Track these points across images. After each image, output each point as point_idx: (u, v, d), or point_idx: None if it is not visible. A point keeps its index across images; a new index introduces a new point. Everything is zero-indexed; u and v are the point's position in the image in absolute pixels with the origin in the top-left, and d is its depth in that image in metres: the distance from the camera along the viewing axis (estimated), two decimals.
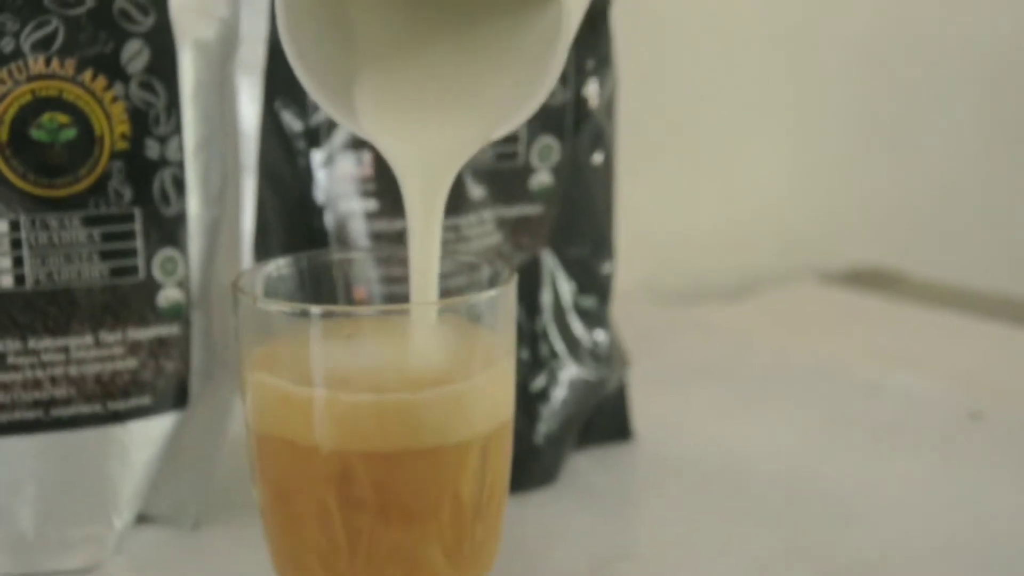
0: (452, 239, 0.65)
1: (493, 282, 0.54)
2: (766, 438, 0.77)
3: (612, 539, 0.65)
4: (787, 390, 0.84)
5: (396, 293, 0.58)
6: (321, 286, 0.57)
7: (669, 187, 1.08)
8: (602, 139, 0.69)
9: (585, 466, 0.72)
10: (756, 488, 0.70)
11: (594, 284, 0.71)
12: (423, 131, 0.53)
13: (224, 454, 0.67)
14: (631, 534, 0.67)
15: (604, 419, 0.73)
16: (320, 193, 0.65)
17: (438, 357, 0.51)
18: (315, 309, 0.50)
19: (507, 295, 0.52)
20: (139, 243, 0.61)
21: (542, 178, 0.67)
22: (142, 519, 0.66)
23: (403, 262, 0.55)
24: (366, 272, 0.58)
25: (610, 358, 0.71)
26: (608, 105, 0.69)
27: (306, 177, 0.65)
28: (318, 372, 0.50)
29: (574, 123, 0.67)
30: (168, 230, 0.62)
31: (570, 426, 0.70)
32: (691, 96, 1.08)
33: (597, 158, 0.69)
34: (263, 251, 0.68)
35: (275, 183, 0.66)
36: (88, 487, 0.62)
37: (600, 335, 0.71)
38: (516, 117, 0.51)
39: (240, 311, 0.52)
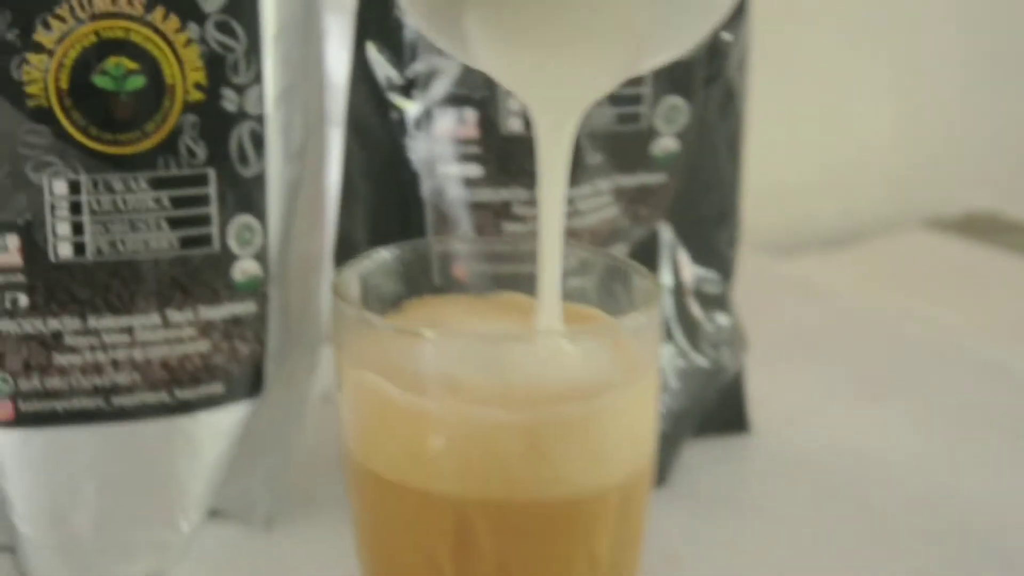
0: (567, 213, 0.57)
1: (633, 291, 0.46)
2: (890, 435, 0.69)
3: (722, 554, 0.58)
4: (906, 372, 0.76)
5: (515, 278, 0.50)
6: (425, 277, 0.49)
7: (765, 129, 0.99)
8: (733, 100, 0.61)
9: (697, 463, 0.65)
10: (883, 501, 0.63)
11: (717, 261, 0.63)
12: (559, 56, 0.45)
13: (301, 443, 0.59)
14: (744, 550, 0.60)
15: (719, 409, 0.65)
16: (415, 153, 0.57)
17: (571, 372, 0.44)
18: (429, 334, 0.43)
19: (656, 313, 0.44)
20: (213, 209, 0.53)
21: (667, 143, 0.59)
22: (209, 515, 0.58)
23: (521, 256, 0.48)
24: (476, 262, 0.50)
25: (731, 343, 0.64)
26: (741, 60, 0.61)
27: (399, 134, 0.57)
28: (431, 381, 0.42)
29: (705, 81, 0.59)
30: (246, 194, 0.54)
31: (685, 423, 0.63)
32: (790, 34, 0.99)
33: (728, 121, 0.61)
34: (348, 216, 0.60)
35: (364, 139, 0.58)
36: (152, 485, 0.54)
37: (721, 318, 0.63)
38: (676, 42, 0.44)
39: (340, 319, 0.44)
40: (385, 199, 0.58)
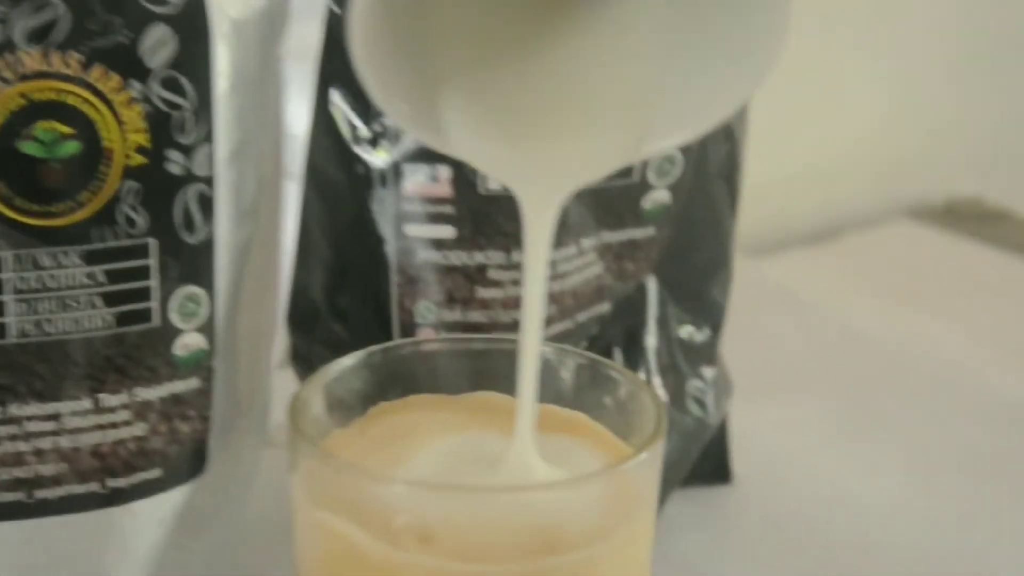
0: (551, 277, 0.52)
1: (631, 408, 0.41)
2: (879, 478, 0.65)
3: None
4: (897, 402, 0.72)
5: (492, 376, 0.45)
6: (392, 380, 0.44)
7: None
8: (731, 137, 0.55)
9: (676, 521, 0.60)
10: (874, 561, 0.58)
11: (707, 312, 0.58)
12: (551, 147, 0.39)
13: (247, 522, 0.54)
14: None
15: (700, 460, 0.60)
16: (381, 212, 0.51)
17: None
18: (400, 479, 0.37)
19: (661, 446, 0.39)
20: (154, 282, 0.48)
21: (658, 196, 0.54)
22: None
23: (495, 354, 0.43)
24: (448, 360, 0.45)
25: (717, 398, 0.59)
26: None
27: (364, 190, 0.51)
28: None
29: None
30: (190, 263, 0.48)
31: (665, 491, 0.58)
32: None
33: (723, 162, 0.55)
34: (304, 272, 0.55)
35: (324, 192, 0.52)
36: None
37: (708, 372, 0.58)
38: (686, 127, 0.39)
39: (297, 449, 0.39)
40: (346, 259, 0.53)
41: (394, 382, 0.44)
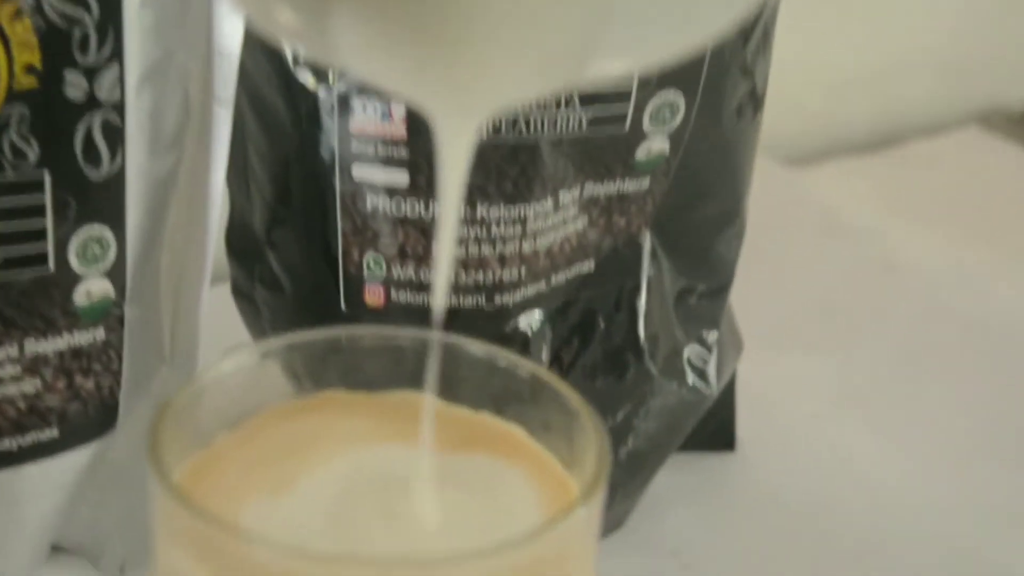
0: (515, 236, 0.44)
1: (576, 439, 0.34)
2: (912, 446, 0.57)
3: None
4: (951, 347, 0.63)
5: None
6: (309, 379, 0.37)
7: (791, 17, 0.84)
8: (750, 72, 0.47)
9: (667, 492, 0.53)
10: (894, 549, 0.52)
11: (714, 270, 0.50)
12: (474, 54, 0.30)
13: None
14: None
15: (702, 423, 0.53)
16: (326, 148, 0.44)
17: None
18: (262, 541, 0.31)
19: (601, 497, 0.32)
20: (48, 221, 0.41)
21: (655, 146, 0.46)
22: (57, 551, 0.48)
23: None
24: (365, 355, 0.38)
25: (719, 364, 0.51)
26: (765, 33, 0.47)
27: (307, 122, 0.44)
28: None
29: (710, 70, 0.45)
30: (94, 200, 0.42)
31: (651, 467, 0.51)
32: None
33: (740, 102, 0.47)
34: (244, 199, 0.48)
35: (264, 120, 0.45)
36: None
37: (709, 336, 0.51)
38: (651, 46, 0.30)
39: (152, 486, 0.32)
40: (287, 197, 0.46)
41: (303, 376, 0.37)
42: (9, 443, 0.43)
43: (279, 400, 0.36)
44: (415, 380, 0.37)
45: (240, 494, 0.33)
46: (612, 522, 0.51)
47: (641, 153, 0.45)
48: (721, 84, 0.46)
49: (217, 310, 0.50)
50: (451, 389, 0.37)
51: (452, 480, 0.35)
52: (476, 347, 0.37)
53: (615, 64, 0.31)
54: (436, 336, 0.36)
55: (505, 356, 0.36)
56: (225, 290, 0.52)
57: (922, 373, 0.62)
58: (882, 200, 0.76)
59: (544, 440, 0.36)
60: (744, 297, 0.59)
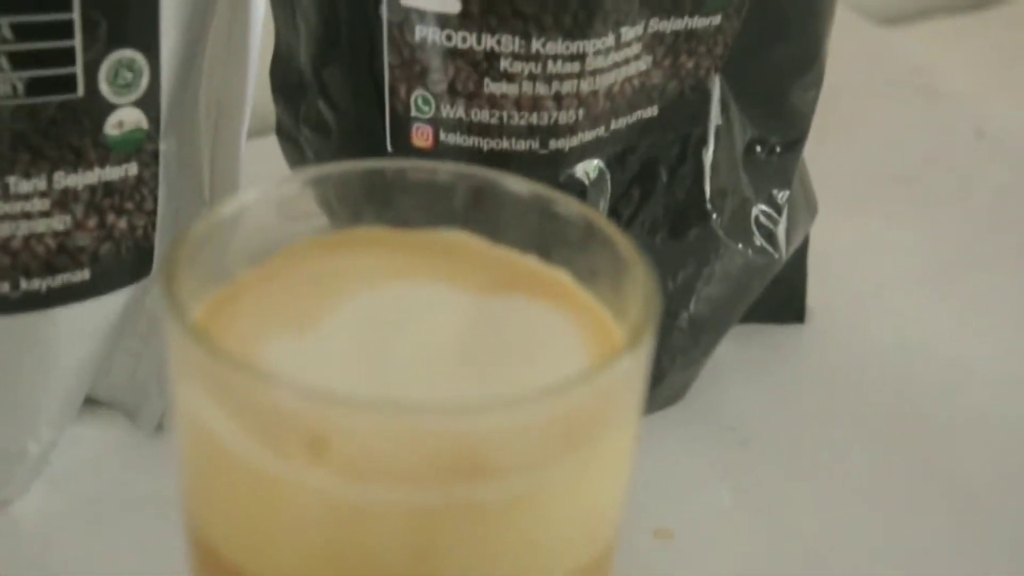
0: (572, 74, 0.41)
1: (622, 282, 0.31)
2: (992, 326, 0.54)
3: (725, 520, 0.45)
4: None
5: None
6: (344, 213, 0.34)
7: None
8: None
9: (729, 365, 0.51)
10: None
11: (784, 123, 0.47)
12: None
13: None
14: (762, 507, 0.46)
15: (767, 293, 0.50)
16: None
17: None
18: (284, 377, 0.28)
19: (649, 345, 0.30)
20: (77, 41, 0.38)
21: None
22: (92, 404, 0.46)
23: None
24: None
25: (790, 226, 0.48)
26: None
27: None
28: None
29: None
30: (125, 19, 0.39)
31: (714, 335, 0.48)
32: None
33: None
34: (289, 30, 0.45)
35: None
36: None
37: (780, 195, 0.48)
38: None
39: (166, 322, 0.30)
40: (335, 27, 0.43)
41: (338, 211, 0.34)
42: (38, 284, 0.41)
43: (310, 235, 0.34)
44: (455, 219, 0.35)
45: (262, 332, 0.31)
46: (671, 394, 0.49)
47: None
48: None
49: (263, 162, 0.48)
50: (494, 229, 0.34)
51: (490, 322, 0.32)
52: (521, 185, 0.34)
53: None
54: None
55: (551, 196, 0.34)
56: (270, 142, 0.50)
57: (1008, 247, 0.59)
58: (978, 64, 0.72)
59: (591, 287, 0.33)
60: (823, 159, 0.56)
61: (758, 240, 0.47)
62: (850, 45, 0.70)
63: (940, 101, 0.68)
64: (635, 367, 0.30)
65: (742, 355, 0.51)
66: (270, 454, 0.28)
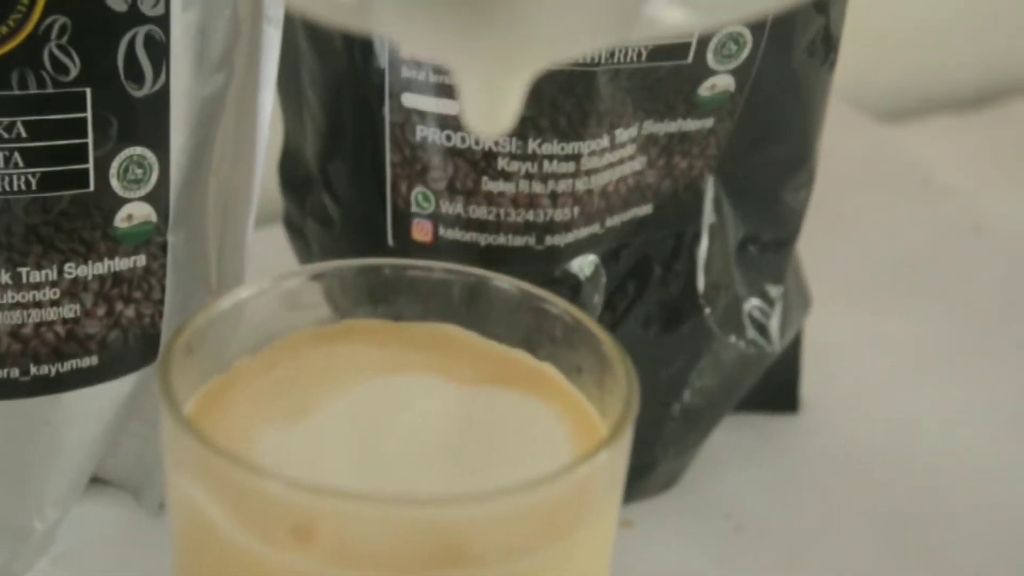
0: (568, 173, 0.43)
1: (603, 381, 0.32)
2: (987, 416, 0.55)
3: None
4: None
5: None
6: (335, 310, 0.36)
7: None
8: (824, 8, 0.45)
9: (723, 454, 0.51)
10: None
11: (776, 221, 0.48)
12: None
13: None
14: None
15: (762, 383, 0.51)
16: (376, 75, 0.42)
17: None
18: (273, 474, 0.29)
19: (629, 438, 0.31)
20: (90, 139, 0.40)
21: (719, 82, 0.44)
22: (99, 483, 0.47)
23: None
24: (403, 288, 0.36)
25: (783, 320, 0.49)
26: None
27: (359, 45, 0.43)
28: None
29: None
30: (136, 119, 0.41)
31: (707, 425, 0.49)
32: None
33: (813, 39, 0.45)
34: (297, 127, 0.47)
35: (316, 43, 0.44)
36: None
37: (773, 291, 0.49)
38: None
39: (163, 409, 0.31)
40: (339, 126, 0.44)
41: (334, 305, 0.36)
42: (48, 369, 0.42)
43: (307, 327, 0.35)
44: (448, 314, 0.36)
45: (255, 421, 0.32)
46: (665, 480, 0.50)
47: (704, 89, 0.43)
48: (791, 18, 0.44)
49: (270, 251, 0.50)
50: (485, 325, 0.36)
51: (479, 414, 0.33)
52: (512, 284, 0.35)
53: (671, 19, 0.30)
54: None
55: (540, 295, 0.35)
56: (277, 232, 0.51)
57: (1003, 342, 0.59)
58: (977, 161, 0.73)
59: (577, 382, 0.35)
60: (821, 252, 0.57)
61: (751, 333, 0.48)
62: (850, 140, 0.72)
63: (938, 196, 0.69)
64: (614, 462, 0.31)
65: (736, 443, 0.52)
66: (257, 540, 0.29)
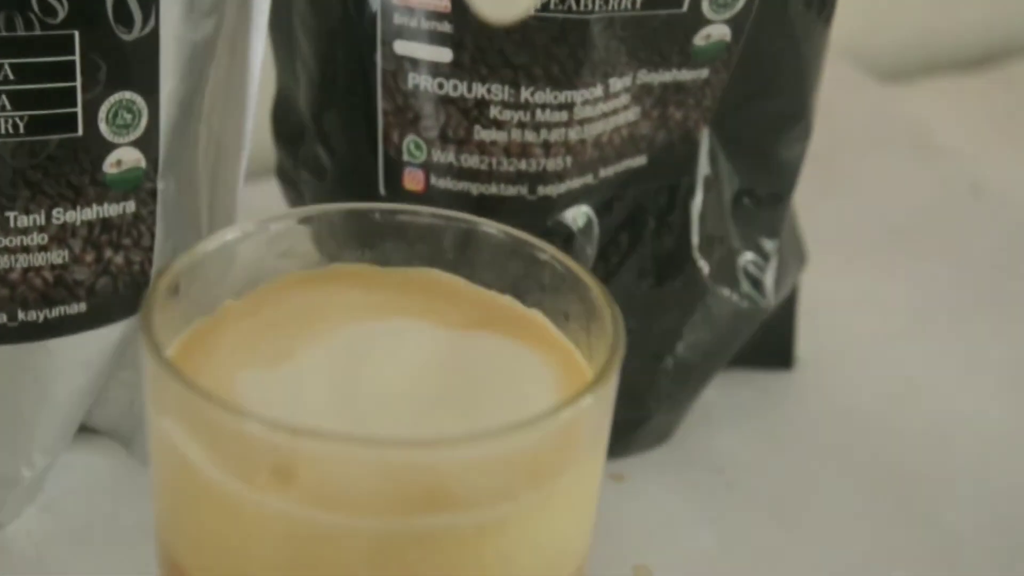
0: (560, 122, 0.42)
1: (592, 325, 0.32)
2: (981, 375, 0.55)
3: (712, 560, 0.46)
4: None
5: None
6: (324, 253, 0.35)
7: None
8: None
9: (716, 410, 0.51)
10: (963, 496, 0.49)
11: (772, 174, 0.48)
12: None
13: None
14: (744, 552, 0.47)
15: (758, 339, 0.51)
16: (368, 22, 0.42)
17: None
18: (254, 414, 0.29)
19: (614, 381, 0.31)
20: (78, 82, 0.40)
21: (715, 32, 0.43)
22: (89, 432, 0.47)
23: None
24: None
25: (779, 274, 0.49)
26: None
27: None
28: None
29: None
30: (125, 63, 0.40)
31: (700, 379, 0.49)
32: None
33: None
34: (290, 76, 0.47)
35: None
36: None
37: (768, 245, 0.49)
38: None
39: (142, 348, 0.31)
40: (331, 74, 0.44)
41: (322, 249, 0.35)
42: (35, 315, 0.42)
43: (293, 271, 0.35)
44: (435, 260, 0.36)
45: (238, 364, 0.32)
46: (658, 434, 0.49)
47: (699, 39, 0.43)
48: None
49: (263, 203, 0.49)
50: (473, 271, 0.35)
51: (464, 359, 0.33)
52: (499, 230, 0.35)
53: None
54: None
55: (530, 241, 0.35)
56: (270, 184, 0.51)
57: (999, 302, 0.59)
58: (978, 122, 0.73)
59: (564, 329, 0.34)
60: (819, 210, 0.57)
61: (745, 287, 0.48)
62: (851, 100, 0.72)
63: (937, 157, 0.69)
64: (599, 407, 0.31)
65: (730, 399, 0.52)
66: (239, 481, 0.29)
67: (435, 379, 0.32)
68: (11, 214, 0.40)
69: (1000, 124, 0.73)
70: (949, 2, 0.81)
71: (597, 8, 0.41)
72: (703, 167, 0.46)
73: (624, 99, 0.43)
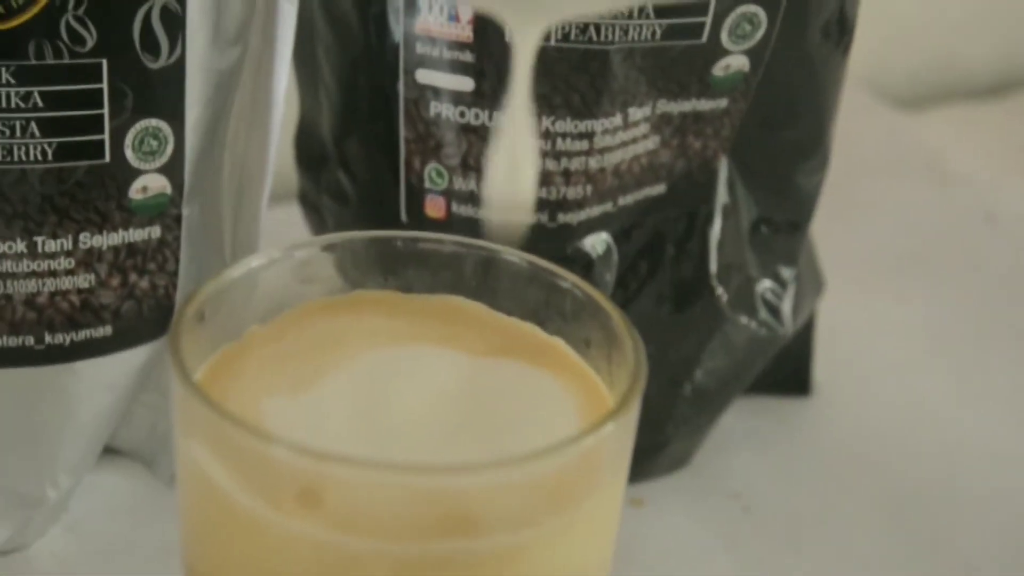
0: (581, 151, 0.43)
1: (613, 355, 0.33)
2: (998, 401, 0.55)
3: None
4: None
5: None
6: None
7: None
8: None
9: (734, 437, 0.52)
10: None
11: (789, 203, 0.48)
12: None
13: None
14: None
15: (774, 365, 0.51)
16: (391, 51, 0.43)
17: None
18: (281, 439, 0.30)
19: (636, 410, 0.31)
20: (106, 110, 0.40)
21: (734, 63, 0.44)
22: (112, 453, 0.48)
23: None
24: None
25: (796, 302, 0.49)
26: None
27: (374, 21, 0.43)
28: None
29: None
30: (152, 91, 0.41)
31: (718, 405, 0.49)
32: None
33: (829, 19, 0.45)
34: (313, 103, 0.47)
35: (332, 18, 0.44)
36: (13, 448, 0.43)
37: (785, 273, 0.49)
38: None
39: (171, 371, 0.31)
40: (354, 102, 0.45)
41: (346, 276, 0.36)
42: (62, 338, 0.42)
43: (316, 298, 0.36)
44: (458, 287, 0.36)
45: (264, 389, 0.33)
46: (676, 460, 0.50)
47: (718, 69, 0.43)
48: (806, 0, 0.44)
49: (285, 228, 0.50)
50: (494, 299, 0.36)
51: (486, 385, 0.34)
52: (521, 258, 0.36)
53: None
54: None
55: (551, 269, 0.35)
56: (292, 209, 0.51)
57: (1013, 329, 0.59)
58: (993, 151, 0.73)
59: (585, 356, 0.35)
60: (835, 237, 0.58)
61: (763, 315, 0.48)
62: (867, 127, 0.72)
63: (953, 185, 0.69)
64: (621, 434, 0.31)
65: (747, 425, 0.52)
66: (265, 506, 0.30)
67: (458, 405, 0.33)
68: (39, 239, 0.41)
69: (1015, 153, 0.73)
70: (965, 31, 0.82)
71: (617, 39, 0.41)
72: (721, 195, 0.46)
73: (643, 128, 0.44)
